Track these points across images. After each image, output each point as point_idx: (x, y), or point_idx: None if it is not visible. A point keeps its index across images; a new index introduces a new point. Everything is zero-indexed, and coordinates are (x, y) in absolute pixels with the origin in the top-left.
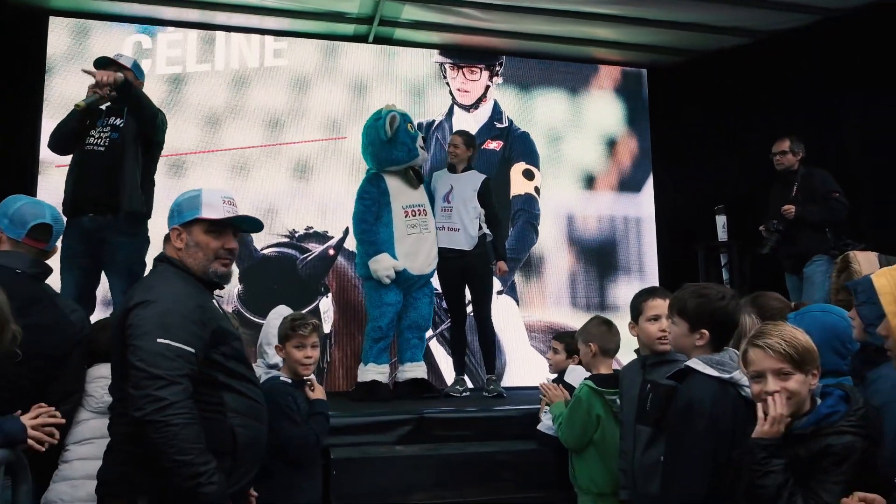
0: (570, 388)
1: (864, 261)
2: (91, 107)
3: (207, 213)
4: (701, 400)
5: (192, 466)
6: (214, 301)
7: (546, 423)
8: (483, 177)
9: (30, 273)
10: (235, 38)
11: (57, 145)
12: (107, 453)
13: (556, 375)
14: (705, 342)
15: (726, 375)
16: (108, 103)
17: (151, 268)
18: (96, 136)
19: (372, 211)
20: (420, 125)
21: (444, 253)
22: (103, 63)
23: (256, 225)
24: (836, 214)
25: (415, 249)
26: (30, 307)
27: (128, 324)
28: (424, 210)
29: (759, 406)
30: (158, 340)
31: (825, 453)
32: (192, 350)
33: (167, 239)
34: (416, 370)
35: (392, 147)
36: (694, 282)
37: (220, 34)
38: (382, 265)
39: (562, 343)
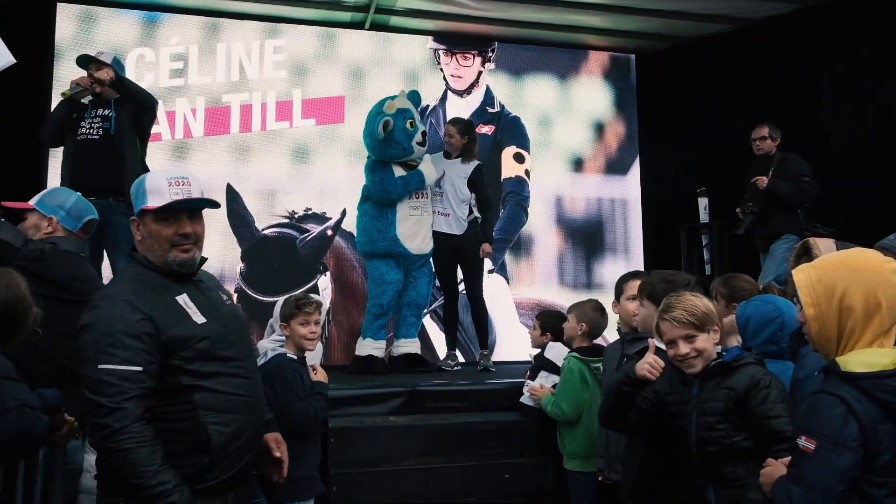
0: (550, 363)
1: (823, 247)
2: (74, 97)
3: (153, 201)
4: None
5: (146, 489)
6: (181, 298)
7: (528, 396)
8: (475, 164)
9: (85, 257)
10: (237, 31)
11: (48, 135)
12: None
13: (538, 351)
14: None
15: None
16: (90, 97)
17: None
18: (87, 126)
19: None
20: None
21: (436, 235)
22: (84, 60)
23: (209, 205)
24: (803, 196)
25: (415, 230)
26: None
27: (79, 346)
28: (426, 193)
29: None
30: (100, 367)
31: (755, 386)
32: (138, 368)
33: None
34: (410, 346)
35: (387, 146)
36: (677, 261)
37: (223, 24)
38: (428, 167)
39: (539, 321)
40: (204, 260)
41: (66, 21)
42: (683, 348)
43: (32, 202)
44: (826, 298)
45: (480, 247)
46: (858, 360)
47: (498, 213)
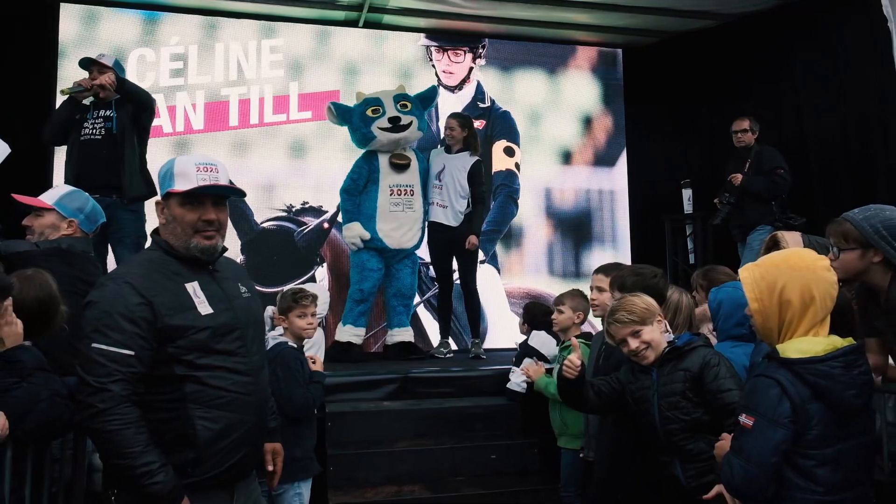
0: (534, 350)
1: (791, 240)
2: (75, 96)
3: (180, 185)
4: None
5: (131, 469)
6: (191, 286)
7: (514, 381)
8: (475, 159)
9: (94, 258)
10: (235, 30)
11: (51, 135)
12: None
13: (523, 339)
14: None
15: None
16: (92, 98)
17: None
18: (90, 127)
19: (358, 185)
20: None
21: (434, 226)
22: (87, 63)
23: (235, 193)
24: (777, 189)
25: (394, 226)
26: None
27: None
28: (412, 191)
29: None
30: (93, 345)
31: (707, 365)
32: (130, 352)
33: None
34: (403, 334)
35: (352, 133)
36: (662, 250)
37: (222, 23)
38: (351, 232)
39: (527, 313)
40: (225, 249)
41: (69, 20)
42: (633, 344)
43: (50, 202)
44: (768, 293)
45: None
46: (794, 348)
47: (489, 207)
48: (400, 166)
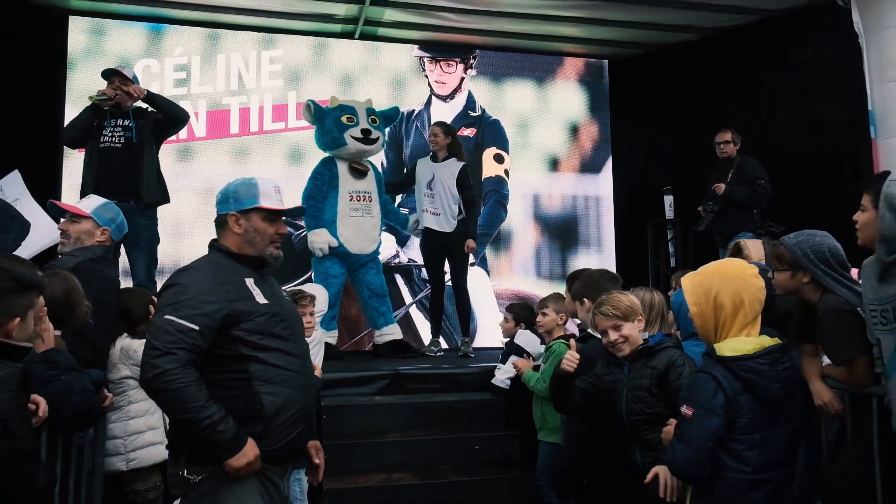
0: (520, 349)
1: (753, 247)
2: (97, 103)
3: (266, 203)
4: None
5: (196, 422)
6: (249, 281)
7: (499, 378)
8: (461, 165)
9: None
10: (236, 42)
11: (71, 138)
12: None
13: (508, 340)
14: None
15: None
16: (111, 106)
17: (207, 254)
18: (109, 134)
19: (321, 190)
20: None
21: (427, 232)
22: (109, 73)
23: (300, 212)
24: (758, 198)
25: (355, 231)
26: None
27: (157, 303)
28: (370, 197)
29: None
30: (165, 317)
31: (672, 364)
32: (196, 327)
33: (222, 223)
34: (392, 332)
35: (321, 133)
36: (644, 254)
37: (223, 35)
38: (320, 238)
39: (511, 313)
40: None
41: (78, 33)
42: (612, 335)
43: (88, 210)
44: (704, 298)
45: (463, 244)
46: (728, 346)
47: (480, 209)
48: (361, 172)
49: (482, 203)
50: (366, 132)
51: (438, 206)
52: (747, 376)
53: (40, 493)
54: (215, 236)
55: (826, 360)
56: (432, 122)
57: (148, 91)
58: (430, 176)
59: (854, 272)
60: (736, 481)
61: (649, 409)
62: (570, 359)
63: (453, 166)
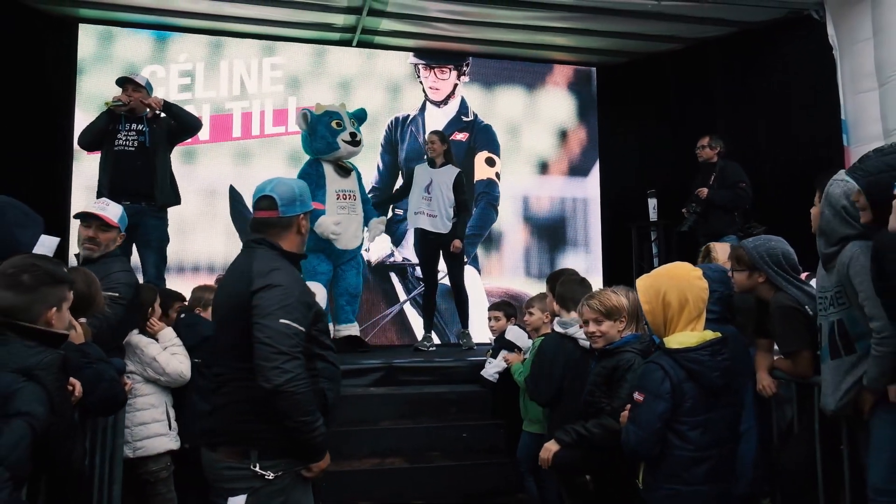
0: (511, 344)
1: (720, 250)
2: (113, 108)
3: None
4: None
5: (309, 425)
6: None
7: (489, 371)
8: (457, 171)
9: None
10: (239, 49)
11: (87, 142)
12: (217, 410)
13: (498, 335)
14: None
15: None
16: (126, 111)
17: (248, 250)
18: (123, 138)
19: (311, 189)
20: (397, 119)
21: (423, 233)
22: (122, 81)
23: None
24: (739, 202)
25: (342, 227)
26: None
27: (253, 304)
28: (354, 195)
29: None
30: (280, 321)
31: (618, 367)
32: (303, 329)
33: (287, 224)
34: (350, 329)
35: (312, 139)
36: (628, 255)
37: (226, 42)
38: (326, 224)
39: (500, 311)
40: None
41: (88, 40)
42: (591, 327)
43: (115, 219)
44: (655, 297)
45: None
46: (675, 340)
47: (472, 213)
48: (346, 171)
49: (474, 204)
50: (353, 135)
51: (435, 209)
52: (690, 366)
53: (78, 464)
54: (250, 235)
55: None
56: (429, 130)
57: (165, 101)
58: (428, 180)
59: (805, 275)
60: (681, 458)
61: (597, 402)
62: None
63: (450, 172)
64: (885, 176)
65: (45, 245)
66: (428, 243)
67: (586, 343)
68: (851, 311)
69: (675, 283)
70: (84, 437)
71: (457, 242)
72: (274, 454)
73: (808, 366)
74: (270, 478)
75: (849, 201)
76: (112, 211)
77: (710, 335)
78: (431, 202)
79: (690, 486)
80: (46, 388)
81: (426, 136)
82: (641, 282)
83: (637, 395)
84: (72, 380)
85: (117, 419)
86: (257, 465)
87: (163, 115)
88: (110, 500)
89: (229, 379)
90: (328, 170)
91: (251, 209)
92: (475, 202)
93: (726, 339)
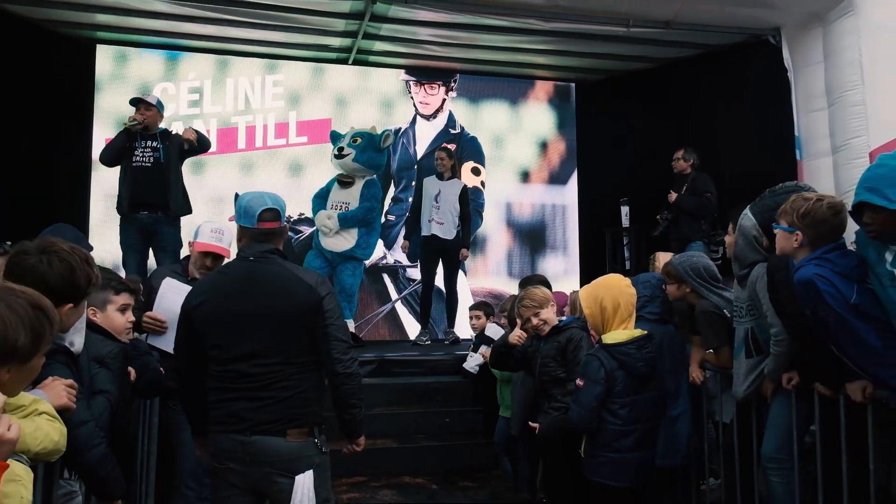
0: (490, 340)
1: (662, 258)
2: (129, 127)
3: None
4: None
5: (360, 405)
6: None
7: (470, 364)
8: (463, 184)
9: None
10: (243, 67)
11: (108, 159)
12: (281, 400)
13: (479, 332)
14: None
15: None
16: (140, 129)
17: (263, 260)
18: (140, 154)
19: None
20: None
21: (430, 238)
22: (136, 101)
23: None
24: (704, 208)
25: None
26: None
27: (325, 308)
28: (347, 206)
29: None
30: (344, 320)
31: (570, 340)
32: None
33: (282, 232)
34: None
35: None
36: (603, 258)
37: (232, 61)
38: (321, 216)
39: (480, 310)
40: None
41: (105, 59)
42: (534, 321)
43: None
44: (594, 303)
45: (460, 251)
46: (610, 336)
47: (474, 226)
48: (347, 184)
49: None
50: (340, 150)
51: (443, 217)
52: (621, 357)
53: (132, 433)
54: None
55: None
56: (438, 147)
57: (197, 132)
58: (437, 191)
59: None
60: (612, 431)
61: (553, 372)
62: (519, 336)
63: (457, 185)
64: (773, 214)
65: (178, 289)
66: (432, 247)
67: None
68: (761, 320)
69: (609, 291)
70: (136, 417)
71: (464, 251)
72: (324, 433)
73: (729, 359)
74: (327, 451)
75: (758, 232)
76: (227, 240)
77: (637, 333)
78: (440, 210)
79: (619, 454)
80: (113, 373)
81: (436, 153)
82: (583, 291)
83: (578, 381)
84: (129, 367)
85: (151, 402)
86: (318, 439)
87: (174, 130)
88: (148, 460)
89: (293, 373)
90: (335, 183)
91: (247, 220)
92: None
93: (651, 335)
